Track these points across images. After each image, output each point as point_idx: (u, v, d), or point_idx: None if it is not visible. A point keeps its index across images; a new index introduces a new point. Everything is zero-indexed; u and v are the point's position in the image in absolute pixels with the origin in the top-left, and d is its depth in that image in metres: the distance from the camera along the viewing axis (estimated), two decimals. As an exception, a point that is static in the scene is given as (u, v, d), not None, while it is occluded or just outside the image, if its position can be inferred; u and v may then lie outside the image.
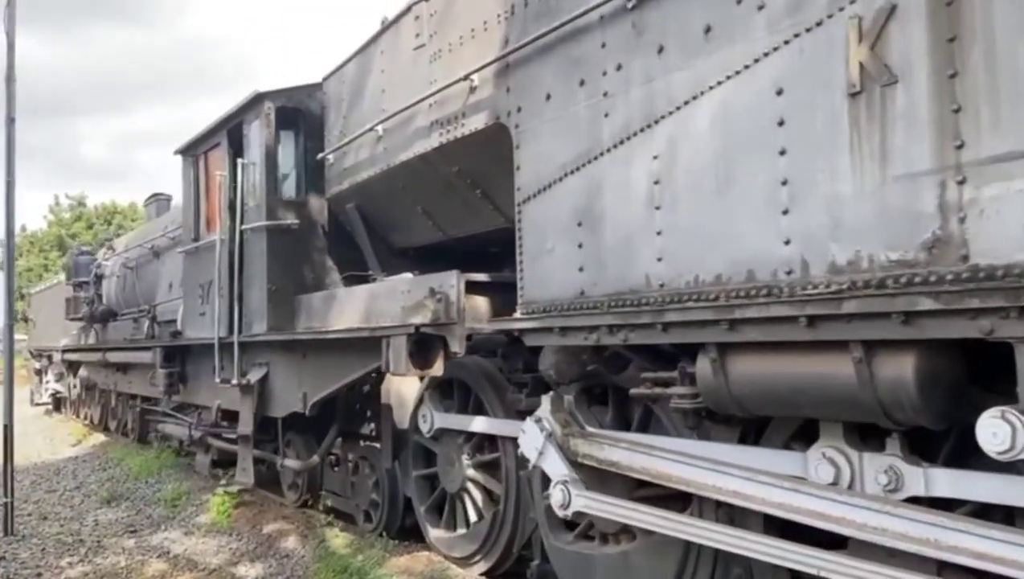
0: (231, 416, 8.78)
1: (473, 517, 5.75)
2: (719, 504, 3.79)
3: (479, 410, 5.72)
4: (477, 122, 4.64)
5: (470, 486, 5.75)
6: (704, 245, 3.19)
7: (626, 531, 4.40)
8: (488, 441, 5.72)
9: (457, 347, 4.76)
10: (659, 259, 3.40)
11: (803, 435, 3.49)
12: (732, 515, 3.73)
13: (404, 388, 6.61)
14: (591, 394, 4.59)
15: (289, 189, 7.20)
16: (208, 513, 8.92)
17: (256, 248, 7.12)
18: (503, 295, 5.04)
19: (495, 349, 5.54)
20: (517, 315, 4.22)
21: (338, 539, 7.02)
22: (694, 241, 3.24)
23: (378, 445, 7.09)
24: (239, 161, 7.32)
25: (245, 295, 7.29)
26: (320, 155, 6.72)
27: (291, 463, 7.38)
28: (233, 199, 7.82)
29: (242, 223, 7.27)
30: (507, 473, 5.36)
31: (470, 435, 5.77)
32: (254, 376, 7.35)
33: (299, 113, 7.18)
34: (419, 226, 6.04)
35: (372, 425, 7.61)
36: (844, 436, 3.14)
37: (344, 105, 6.38)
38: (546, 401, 4.49)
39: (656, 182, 3.43)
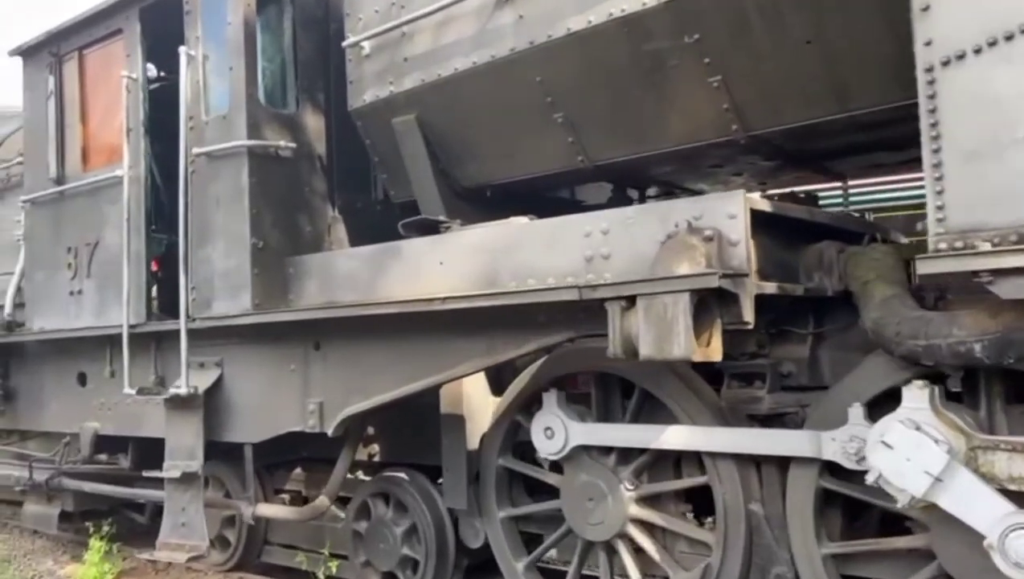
0: (113, 446, 6.00)
1: (635, 576, 3.88)
2: None
3: (639, 417, 3.89)
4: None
5: (632, 530, 3.88)
6: None
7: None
8: (650, 465, 3.90)
9: (749, 314, 2.93)
10: None
11: None
12: None
13: (475, 392, 4.52)
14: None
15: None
16: (69, 589, 6.07)
17: (222, 185, 4.59)
18: (769, 233, 3.29)
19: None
20: (940, 248, 2.52)
21: (351, 619, 4.74)
22: None
23: (402, 475, 4.90)
24: (183, 52, 4.72)
25: (193, 256, 4.71)
26: (347, 42, 4.42)
27: (270, 510, 4.89)
28: (149, 114, 5.18)
29: (192, 147, 4.68)
30: (726, 509, 3.59)
31: (624, 455, 3.92)
32: (200, 383, 4.80)
33: (284, -15, 4.80)
34: (541, 147, 4.02)
35: (374, 447, 5.37)
36: None
37: (401, -37, 4.18)
38: (919, 396, 2.83)
39: None
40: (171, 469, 4.80)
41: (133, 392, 4.95)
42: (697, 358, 2.83)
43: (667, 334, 2.81)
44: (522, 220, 3.94)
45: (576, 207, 5.04)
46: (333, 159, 4.92)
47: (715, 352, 2.92)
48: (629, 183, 4.58)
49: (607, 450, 3.96)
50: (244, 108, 4.48)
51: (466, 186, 4.48)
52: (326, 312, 4.07)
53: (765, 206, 3.13)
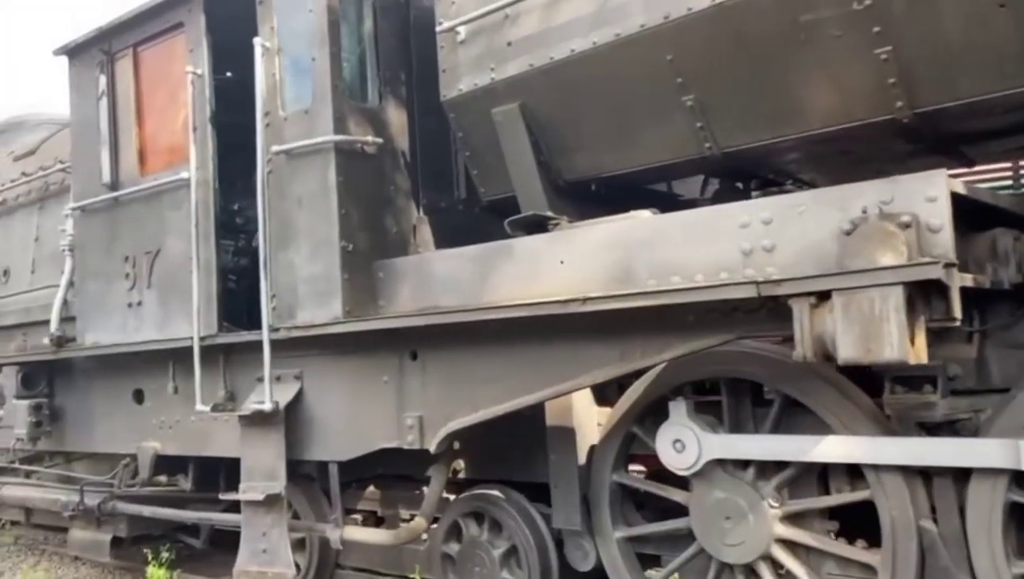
0: (172, 466, 5.65)
1: (781, 602, 3.54)
2: None
3: (779, 426, 3.56)
4: None
5: (777, 551, 3.53)
6: None
7: None
8: (793, 479, 3.56)
9: (958, 309, 2.59)
10: None
11: None
12: None
13: (580, 403, 4.18)
14: None
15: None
16: (123, 621, 5.71)
17: (305, 185, 4.26)
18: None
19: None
20: None
21: (450, 651, 4.38)
22: None
23: (497, 492, 4.55)
24: (258, 43, 4.40)
25: (273, 261, 4.38)
26: (440, 27, 4.10)
27: (361, 534, 4.53)
28: (216, 111, 4.87)
29: (272, 143, 4.35)
30: (894, 526, 3.24)
31: (762, 469, 3.58)
32: (280, 397, 4.46)
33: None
34: (664, 134, 3.69)
35: (459, 463, 5.01)
36: None
37: (504, -61, 3.86)
38: None
39: None
40: (250, 491, 4.46)
41: (207, 409, 4.60)
42: (911, 360, 2.49)
43: (875, 334, 2.47)
44: (645, 213, 3.61)
45: (676, 202, 4.72)
46: (417, 155, 4.60)
47: (921, 352, 2.58)
48: (752, 174, 4.24)
49: (744, 464, 3.62)
50: (329, 101, 4.15)
51: (569, 179, 4.14)
52: (435, 317, 3.73)
53: (961, 188, 2.80)
